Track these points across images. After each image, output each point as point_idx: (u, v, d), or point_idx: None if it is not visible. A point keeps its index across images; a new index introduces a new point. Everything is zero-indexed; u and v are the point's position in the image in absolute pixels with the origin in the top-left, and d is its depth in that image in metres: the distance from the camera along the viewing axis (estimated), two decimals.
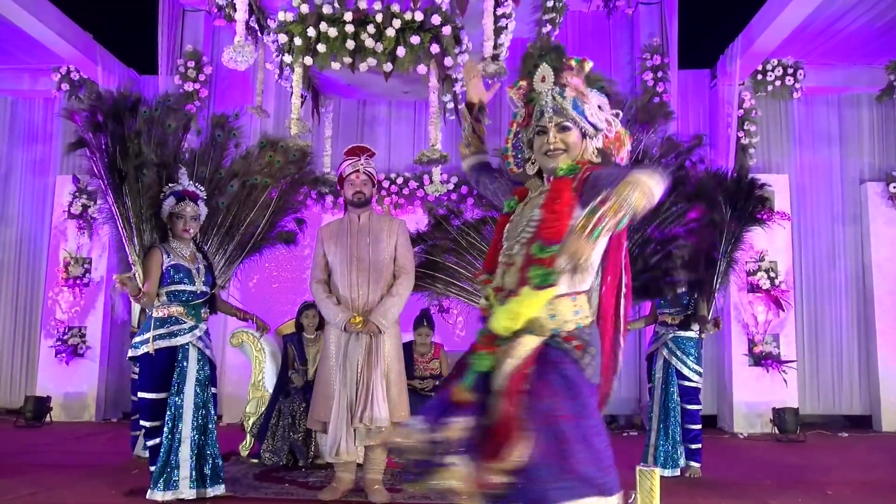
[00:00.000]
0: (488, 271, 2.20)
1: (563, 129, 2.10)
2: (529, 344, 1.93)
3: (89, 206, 7.11)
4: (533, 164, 2.22)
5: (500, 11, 4.30)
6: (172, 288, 3.59)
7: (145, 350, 3.55)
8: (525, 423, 1.82)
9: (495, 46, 4.28)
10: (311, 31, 4.02)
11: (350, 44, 4.02)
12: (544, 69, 2.13)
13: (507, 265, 2.10)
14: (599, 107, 2.14)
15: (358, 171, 3.78)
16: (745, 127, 7.17)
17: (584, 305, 2.04)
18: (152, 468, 3.52)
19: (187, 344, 3.60)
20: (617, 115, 2.22)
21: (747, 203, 4.69)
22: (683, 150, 4.16)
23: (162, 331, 3.56)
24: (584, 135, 2.12)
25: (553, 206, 1.98)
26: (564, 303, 1.99)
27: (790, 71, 7.17)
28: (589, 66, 2.14)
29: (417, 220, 6.41)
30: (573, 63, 2.12)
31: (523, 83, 2.23)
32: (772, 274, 6.96)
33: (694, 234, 3.78)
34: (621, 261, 2.11)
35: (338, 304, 3.69)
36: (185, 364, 3.58)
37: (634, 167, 2.09)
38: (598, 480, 1.82)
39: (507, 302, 1.97)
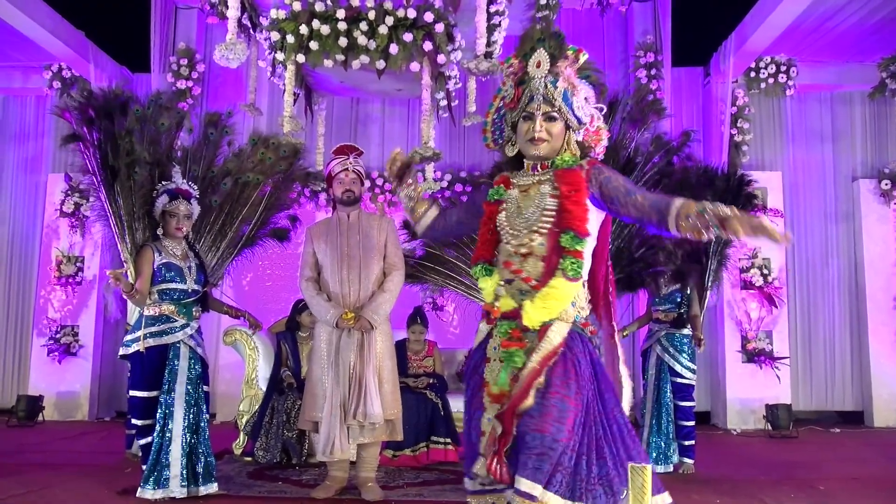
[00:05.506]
0: (486, 261, 2.17)
1: (550, 118, 2.10)
2: (562, 330, 2.00)
3: (81, 205, 7.06)
4: (513, 146, 2.21)
5: (493, 8, 4.30)
6: (164, 286, 3.59)
7: (136, 348, 3.54)
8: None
9: (488, 44, 4.28)
10: (304, 29, 4.01)
11: (343, 41, 4.01)
12: (541, 55, 2.11)
13: (524, 255, 2.07)
14: (586, 99, 2.16)
15: (347, 169, 3.78)
16: (739, 124, 7.18)
17: (584, 294, 2.12)
18: (145, 467, 3.51)
19: (178, 342, 3.60)
20: (601, 110, 2.23)
21: (736, 200, 4.70)
22: (672, 148, 4.18)
23: (153, 329, 3.56)
24: (567, 126, 2.13)
25: (576, 198, 2.03)
26: (580, 291, 2.08)
27: (783, 68, 7.18)
28: (584, 58, 2.14)
29: None
30: (569, 52, 2.11)
31: (515, 61, 2.19)
32: (765, 271, 6.98)
33: None
34: (607, 253, 2.18)
35: (328, 301, 3.68)
36: (176, 362, 3.57)
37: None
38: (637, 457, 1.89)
39: (533, 294, 2.01)
